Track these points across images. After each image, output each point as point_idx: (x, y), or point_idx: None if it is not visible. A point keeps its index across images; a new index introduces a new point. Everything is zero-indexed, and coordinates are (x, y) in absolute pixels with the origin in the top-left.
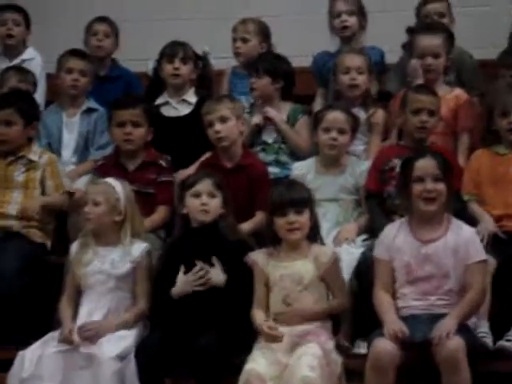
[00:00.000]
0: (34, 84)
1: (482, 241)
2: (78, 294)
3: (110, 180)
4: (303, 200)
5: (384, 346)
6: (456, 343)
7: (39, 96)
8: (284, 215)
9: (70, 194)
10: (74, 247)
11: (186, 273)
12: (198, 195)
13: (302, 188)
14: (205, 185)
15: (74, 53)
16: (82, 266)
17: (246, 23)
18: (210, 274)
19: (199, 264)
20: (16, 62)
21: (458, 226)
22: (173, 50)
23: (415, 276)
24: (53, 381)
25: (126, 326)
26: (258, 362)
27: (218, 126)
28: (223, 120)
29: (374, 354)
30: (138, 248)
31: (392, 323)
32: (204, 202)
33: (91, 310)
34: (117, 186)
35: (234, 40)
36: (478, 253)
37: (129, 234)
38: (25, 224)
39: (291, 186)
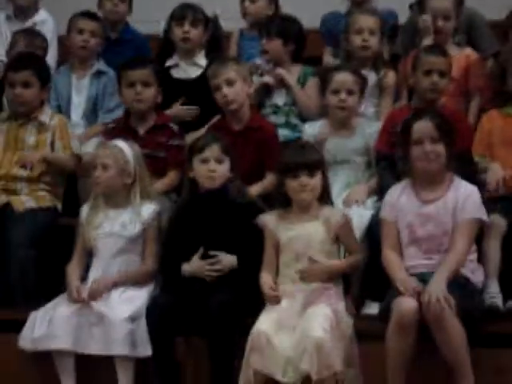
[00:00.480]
0: (44, 48)
1: (490, 189)
2: (87, 257)
3: (119, 142)
4: (316, 162)
5: (408, 304)
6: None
7: (51, 59)
8: (296, 177)
9: (78, 157)
10: (85, 210)
11: (195, 238)
12: (205, 161)
13: (314, 150)
14: (212, 150)
15: (85, 14)
16: (93, 228)
17: None
18: (223, 264)
19: (212, 253)
20: (28, 24)
21: (459, 184)
22: (182, 13)
23: (417, 235)
24: (65, 340)
25: (131, 282)
26: (266, 322)
27: (225, 90)
28: (230, 83)
29: (399, 313)
30: (148, 209)
31: (404, 281)
32: (212, 169)
33: (102, 273)
34: (125, 149)
35: (243, 0)
36: (473, 210)
37: (138, 195)
38: (34, 187)
39: (303, 148)
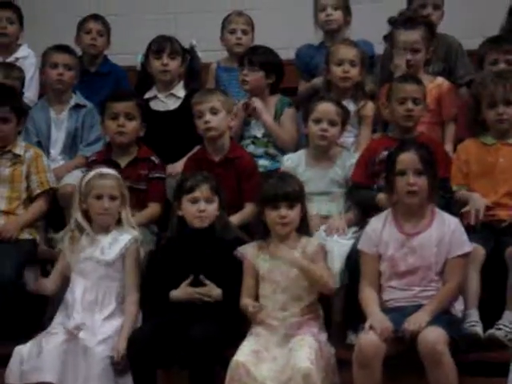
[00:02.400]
0: (21, 79)
1: (472, 221)
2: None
3: (110, 170)
4: (295, 194)
5: (368, 339)
6: (435, 335)
7: (32, 93)
8: (276, 208)
9: (53, 190)
10: (66, 237)
11: (181, 275)
12: (195, 201)
13: (294, 181)
14: (202, 191)
15: (59, 47)
16: (74, 253)
17: (242, 15)
18: (212, 291)
19: (203, 278)
20: (10, 59)
21: (443, 217)
22: (160, 46)
23: (399, 269)
24: (51, 374)
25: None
26: (244, 354)
27: (208, 117)
28: (214, 112)
29: (359, 347)
30: (127, 237)
31: (376, 318)
32: (202, 209)
33: (82, 297)
34: (118, 176)
35: (233, 32)
36: (461, 246)
37: (125, 223)
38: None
39: (284, 179)
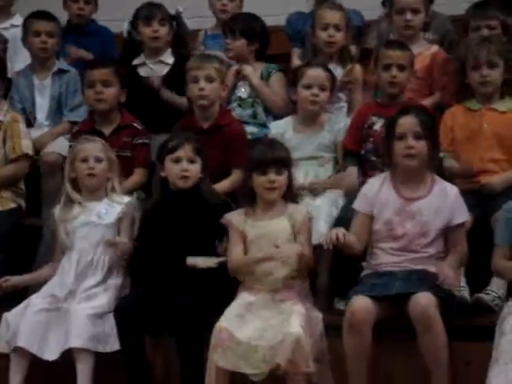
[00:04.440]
0: (4, 47)
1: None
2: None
3: (99, 139)
4: (284, 160)
5: (360, 303)
6: (427, 299)
7: (23, 62)
8: (264, 174)
9: (29, 157)
10: (58, 209)
11: (167, 237)
12: (178, 161)
13: (282, 148)
14: (185, 150)
15: (40, 15)
16: (68, 222)
17: None
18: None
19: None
20: (5, 25)
21: (442, 185)
22: (150, 13)
23: (395, 233)
24: (29, 340)
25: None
26: (228, 317)
27: (202, 83)
28: (209, 79)
29: (351, 312)
30: (124, 200)
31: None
32: (184, 168)
33: (80, 263)
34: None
35: None
36: (463, 214)
37: (118, 188)
38: None
39: (273, 145)
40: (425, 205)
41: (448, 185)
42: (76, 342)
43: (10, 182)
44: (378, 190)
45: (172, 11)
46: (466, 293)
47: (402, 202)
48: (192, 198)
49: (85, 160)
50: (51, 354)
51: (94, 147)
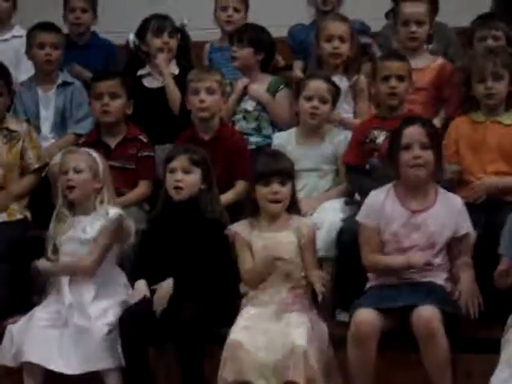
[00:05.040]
0: None
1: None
2: None
3: (84, 149)
4: (288, 171)
5: (365, 315)
6: (430, 312)
7: (25, 73)
8: (268, 185)
9: (44, 168)
10: (52, 220)
11: (166, 249)
12: (173, 171)
13: (286, 159)
14: (180, 160)
15: (44, 26)
16: (57, 237)
17: None
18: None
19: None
20: (6, 37)
21: (446, 196)
22: (161, 25)
23: (402, 246)
24: (38, 355)
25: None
26: (237, 331)
27: (203, 95)
28: (210, 91)
29: (356, 324)
30: (110, 214)
31: (404, 259)
32: (177, 179)
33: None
34: (94, 153)
35: (224, 9)
36: (467, 224)
37: (106, 200)
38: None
39: (276, 156)
40: (430, 216)
41: (452, 195)
42: (103, 364)
43: (29, 192)
44: (382, 202)
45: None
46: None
47: (408, 214)
48: (188, 210)
49: (65, 172)
50: (71, 368)
51: (72, 158)
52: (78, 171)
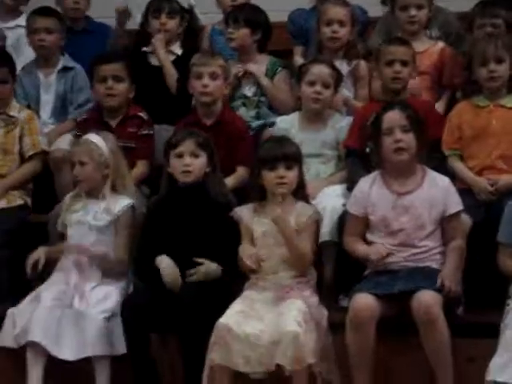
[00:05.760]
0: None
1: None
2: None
3: (91, 136)
4: (294, 155)
5: (363, 300)
6: (430, 297)
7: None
8: (274, 169)
9: (45, 153)
10: (67, 197)
11: (171, 232)
12: (180, 156)
13: (292, 144)
14: (187, 145)
15: (38, 11)
16: (70, 213)
17: None
18: (208, 269)
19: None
20: (9, 25)
21: (433, 176)
22: (159, 5)
23: (392, 228)
24: (43, 335)
25: (102, 264)
26: (229, 316)
27: (206, 80)
28: (213, 76)
29: (354, 310)
30: (121, 203)
31: (368, 249)
32: (186, 163)
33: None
34: (99, 142)
35: None
36: (456, 204)
37: (108, 187)
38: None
39: (282, 140)
40: (417, 197)
41: (438, 175)
42: (95, 350)
43: (27, 180)
44: (369, 190)
45: (185, 4)
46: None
47: (395, 197)
48: (197, 193)
49: (73, 165)
50: (67, 354)
51: (76, 152)
52: (81, 164)
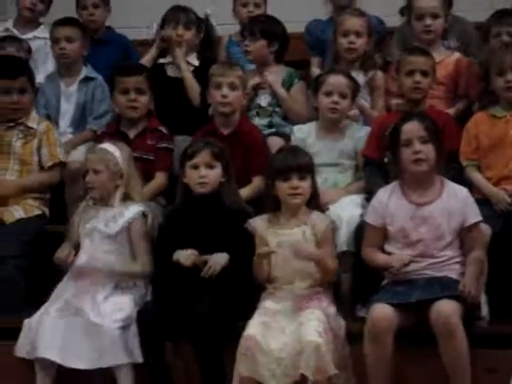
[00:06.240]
0: (29, 51)
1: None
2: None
3: (107, 146)
4: (307, 166)
5: (381, 311)
6: (450, 307)
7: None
8: (287, 180)
9: (63, 165)
10: (81, 205)
11: (186, 242)
12: (196, 167)
13: (305, 154)
14: (203, 156)
15: (59, 21)
16: (82, 222)
17: None
18: (212, 268)
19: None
20: (28, 36)
21: (452, 187)
22: (175, 16)
23: (411, 239)
24: (51, 350)
25: (119, 275)
26: (254, 326)
27: (225, 91)
28: (232, 87)
29: (372, 320)
30: (132, 210)
31: (389, 259)
32: (202, 175)
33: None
34: (114, 151)
35: (245, 5)
36: (475, 214)
37: (119, 195)
38: (22, 196)
39: (295, 151)
40: (436, 208)
41: (457, 186)
42: (115, 360)
43: (44, 188)
44: (387, 201)
45: (201, 15)
46: (485, 310)
47: (414, 207)
48: (212, 204)
49: (87, 172)
50: (80, 363)
51: (91, 159)
52: (96, 172)
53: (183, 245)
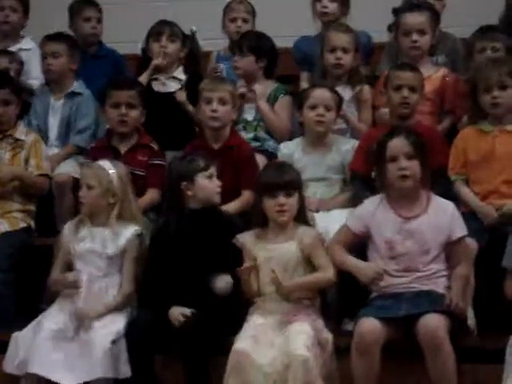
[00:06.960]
0: (21, 63)
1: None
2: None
3: (103, 162)
4: (293, 182)
5: (368, 325)
6: (436, 321)
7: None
8: (274, 197)
9: (49, 178)
10: (68, 226)
11: (180, 259)
12: (211, 177)
13: (292, 170)
14: (215, 167)
15: (47, 37)
16: (76, 242)
17: (243, 3)
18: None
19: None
20: (13, 49)
21: (438, 202)
22: (160, 29)
23: (397, 252)
24: (42, 366)
25: (112, 309)
26: (243, 340)
27: (215, 105)
28: (222, 102)
29: (359, 334)
30: (129, 231)
31: (361, 270)
32: (219, 184)
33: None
34: (109, 169)
35: (234, 20)
36: (461, 228)
37: (115, 215)
38: (7, 208)
39: (282, 167)
40: (423, 222)
41: (443, 201)
42: (105, 374)
43: (32, 191)
44: (374, 210)
45: (187, 32)
46: (472, 325)
47: (401, 220)
48: (210, 215)
49: (81, 187)
50: (70, 379)
51: (86, 174)
52: (89, 187)
53: (176, 261)
